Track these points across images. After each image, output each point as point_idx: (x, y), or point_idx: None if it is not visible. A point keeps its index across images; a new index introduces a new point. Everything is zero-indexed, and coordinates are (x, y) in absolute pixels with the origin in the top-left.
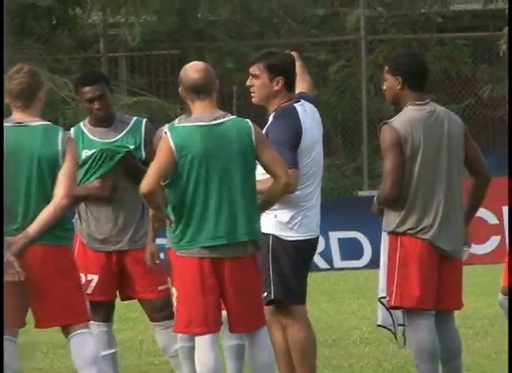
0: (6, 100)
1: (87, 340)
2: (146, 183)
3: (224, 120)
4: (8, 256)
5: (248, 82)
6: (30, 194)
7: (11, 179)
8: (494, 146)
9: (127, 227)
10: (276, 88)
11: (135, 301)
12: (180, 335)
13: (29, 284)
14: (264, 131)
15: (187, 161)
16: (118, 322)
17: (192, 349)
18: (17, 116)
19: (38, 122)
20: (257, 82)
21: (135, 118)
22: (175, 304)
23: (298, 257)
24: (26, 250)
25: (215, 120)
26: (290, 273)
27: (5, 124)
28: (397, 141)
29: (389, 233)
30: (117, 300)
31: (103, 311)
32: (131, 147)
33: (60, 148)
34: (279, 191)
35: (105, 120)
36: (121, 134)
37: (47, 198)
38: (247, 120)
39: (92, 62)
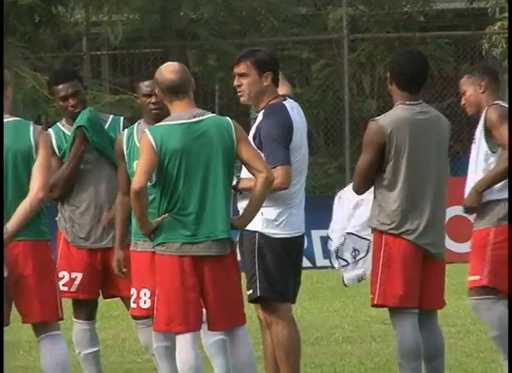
0: None
1: (59, 344)
2: (136, 181)
3: (204, 117)
4: None
5: (236, 82)
6: (6, 190)
7: None
8: None
9: (111, 223)
10: (266, 83)
11: (117, 299)
12: (155, 335)
13: (11, 280)
14: (254, 129)
15: (167, 158)
16: (100, 320)
17: (168, 348)
18: None
19: (8, 118)
20: (246, 81)
21: (112, 116)
22: (133, 305)
23: (284, 255)
24: (6, 247)
25: (195, 117)
26: (276, 270)
27: None
28: (379, 139)
29: (373, 230)
30: (100, 298)
31: (87, 309)
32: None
33: (32, 141)
34: (262, 187)
35: None
36: None
37: (23, 193)
38: (227, 117)
39: (74, 60)
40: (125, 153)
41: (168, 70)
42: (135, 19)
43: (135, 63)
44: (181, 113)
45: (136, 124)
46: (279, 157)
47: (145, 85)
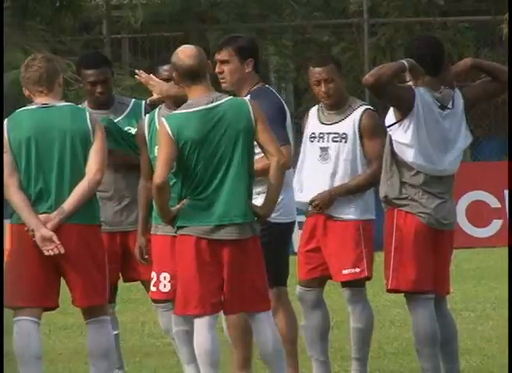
0: (25, 92)
1: (105, 328)
2: (157, 176)
3: (220, 101)
4: (45, 232)
5: (217, 69)
6: (64, 172)
7: (41, 160)
8: (496, 130)
9: (131, 207)
10: (247, 70)
11: (137, 282)
12: (175, 319)
13: (62, 263)
14: None
15: (185, 147)
16: (120, 304)
17: (188, 332)
18: (41, 100)
19: (63, 103)
20: (228, 68)
21: (134, 100)
22: (153, 289)
23: (282, 240)
24: (59, 229)
25: (212, 102)
26: (272, 256)
27: (29, 107)
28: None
29: (387, 210)
30: (119, 281)
31: None
32: (134, 129)
33: (89, 125)
34: (275, 171)
35: (105, 104)
36: (122, 116)
37: (80, 175)
38: (245, 98)
39: (94, 44)
40: (147, 138)
41: (185, 54)
42: (155, 2)
43: (155, 46)
44: (198, 99)
45: (157, 109)
46: (279, 137)
47: (164, 70)
